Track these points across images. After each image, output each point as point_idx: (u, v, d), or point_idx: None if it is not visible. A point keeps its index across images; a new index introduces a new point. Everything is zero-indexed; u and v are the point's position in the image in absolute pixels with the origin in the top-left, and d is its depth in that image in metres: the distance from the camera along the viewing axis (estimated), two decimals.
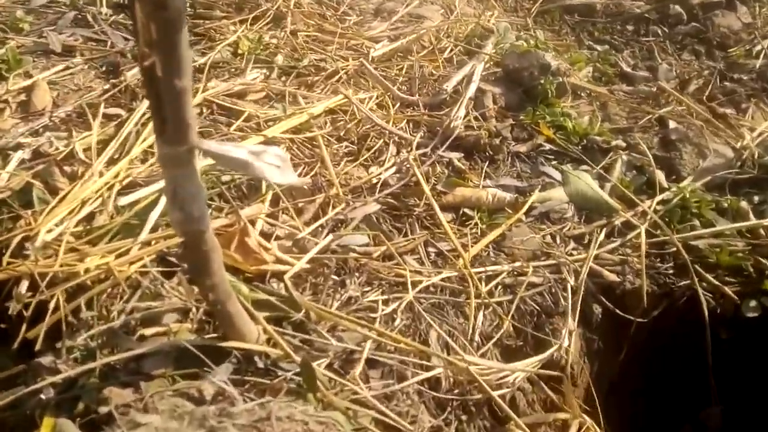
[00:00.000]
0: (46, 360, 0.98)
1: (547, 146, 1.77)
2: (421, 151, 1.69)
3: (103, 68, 1.87)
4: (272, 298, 1.15)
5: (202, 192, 0.78)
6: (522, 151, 1.75)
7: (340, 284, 1.27)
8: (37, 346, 1.02)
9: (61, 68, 1.82)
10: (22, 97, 1.68)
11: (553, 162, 1.72)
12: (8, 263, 1.14)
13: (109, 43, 1.99)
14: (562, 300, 1.29)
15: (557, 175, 1.65)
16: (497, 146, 1.73)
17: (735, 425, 1.54)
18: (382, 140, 1.74)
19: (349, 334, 1.13)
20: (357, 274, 1.30)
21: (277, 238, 1.38)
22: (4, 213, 1.33)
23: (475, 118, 1.83)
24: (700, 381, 1.43)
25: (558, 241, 1.45)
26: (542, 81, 1.90)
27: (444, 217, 1.47)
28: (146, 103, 1.67)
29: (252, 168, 0.75)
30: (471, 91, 1.88)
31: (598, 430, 1.13)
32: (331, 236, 1.34)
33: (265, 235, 1.36)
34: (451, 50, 2.21)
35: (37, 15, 2.07)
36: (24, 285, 1.17)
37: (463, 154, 1.72)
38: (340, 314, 1.15)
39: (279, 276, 1.25)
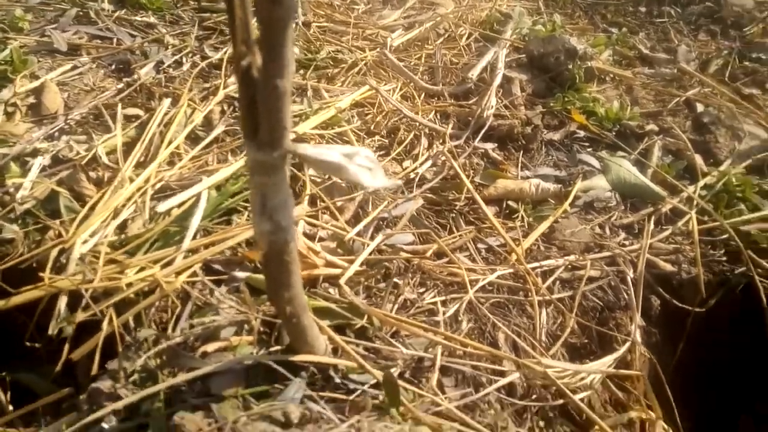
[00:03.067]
0: (105, 384, 0.91)
1: (581, 133, 1.73)
2: (455, 143, 1.64)
3: (113, 66, 1.78)
4: (331, 305, 1.09)
5: (290, 200, 0.71)
6: (556, 139, 1.70)
7: (393, 286, 1.21)
8: (93, 370, 0.95)
9: (68, 68, 1.72)
10: (31, 99, 1.58)
11: (589, 149, 1.68)
12: (49, 279, 1.06)
13: (115, 40, 1.90)
14: (624, 293, 1.25)
15: (596, 163, 1.61)
16: (530, 135, 1.68)
17: None
18: (412, 133, 1.68)
19: (415, 339, 1.08)
20: (409, 274, 1.25)
21: (320, 239, 1.32)
22: (30, 224, 1.25)
23: (505, 107, 1.77)
24: (759, 371, 1.41)
25: (608, 231, 1.41)
26: (569, 66, 1.85)
27: (489, 211, 1.42)
28: (166, 102, 1.59)
29: (346, 171, 0.69)
30: (498, 78, 1.82)
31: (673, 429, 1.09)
32: (381, 236, 1.28)
33: (307, 237, 1.29)
34: (469, 37, 2.15)
35: (36, 13, 1.96)
36: (63, 302, 1.09)
37: (496, 145, 1.67)
38: (405, 319, 1.09)
39: (330, 281, 1.19)
